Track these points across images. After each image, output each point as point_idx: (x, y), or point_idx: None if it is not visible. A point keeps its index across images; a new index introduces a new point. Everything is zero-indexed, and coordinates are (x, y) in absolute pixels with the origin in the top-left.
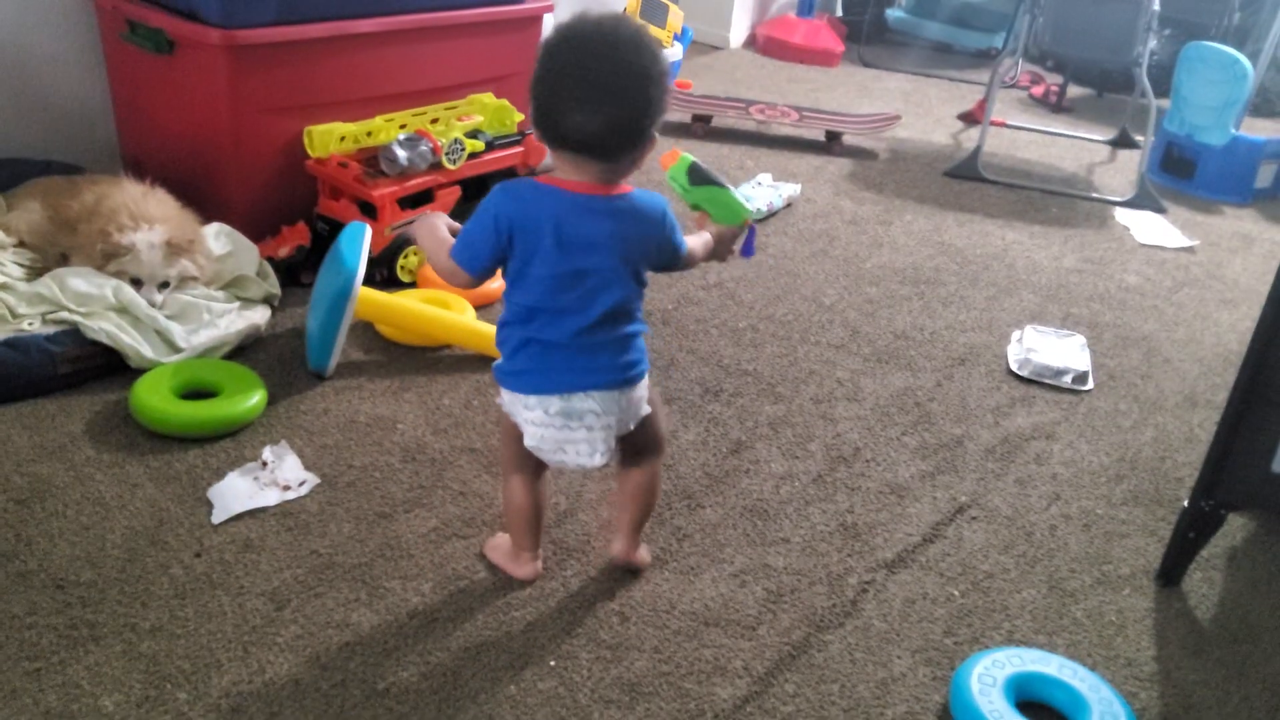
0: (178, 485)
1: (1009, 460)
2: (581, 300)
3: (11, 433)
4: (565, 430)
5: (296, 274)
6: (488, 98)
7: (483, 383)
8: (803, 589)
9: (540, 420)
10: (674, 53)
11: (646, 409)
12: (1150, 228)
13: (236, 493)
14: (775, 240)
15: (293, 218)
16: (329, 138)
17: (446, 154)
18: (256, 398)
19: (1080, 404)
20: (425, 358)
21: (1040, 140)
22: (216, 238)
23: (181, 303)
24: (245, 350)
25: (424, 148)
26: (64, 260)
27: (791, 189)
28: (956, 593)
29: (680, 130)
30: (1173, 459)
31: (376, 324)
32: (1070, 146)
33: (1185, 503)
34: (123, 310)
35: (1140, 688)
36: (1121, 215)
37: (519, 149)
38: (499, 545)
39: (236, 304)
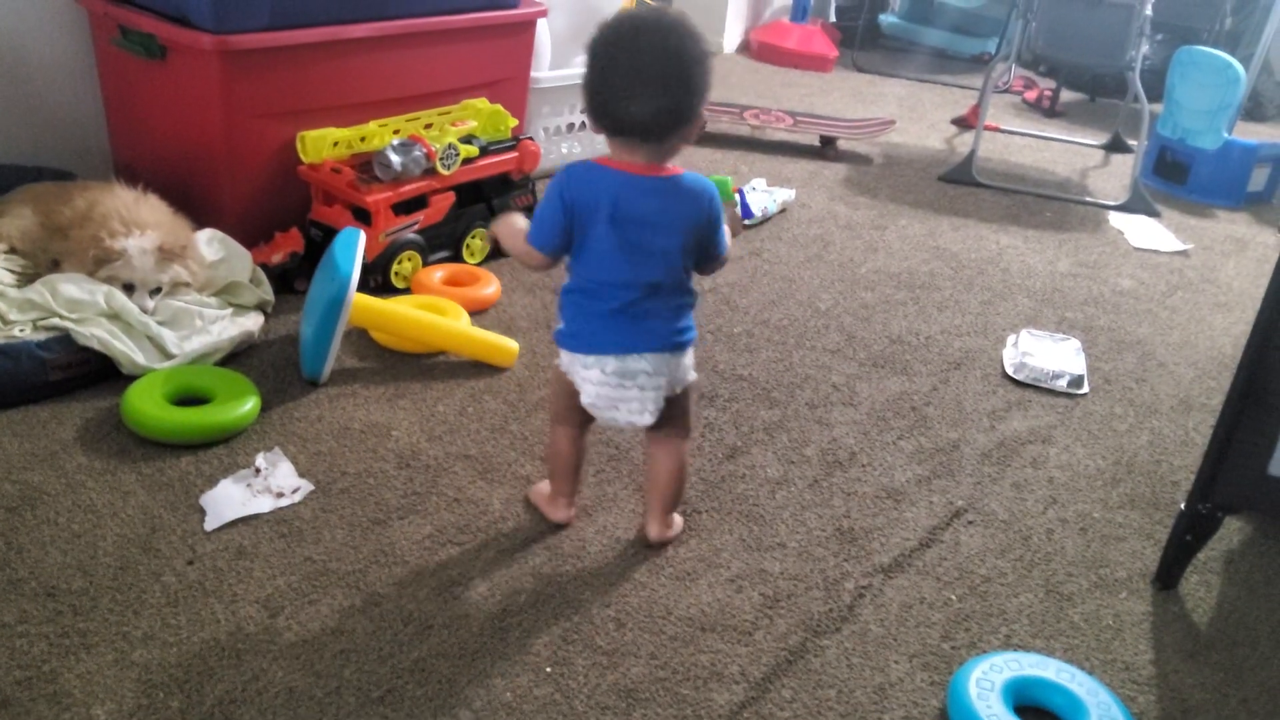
0: (170, 492)
1: (1005, 464)
2: (634, 272)
3: (2, 440)
4: (619, 389)
5: (290, 280)
6: (482, 103)
7: (477, 389)
8: (799, 594)
9: (597, 379)
10: None
11: (692, 375)
12: (1144, 232)
13: (229, 500)
14: (770, 245)
15: (286, 224)
16: (322, 143)
17: (441, 159)
18: (249, 404)
19: (1076, 408)
20: (420, 364)
21: (1034, 145)
22: (209, 244)
23: (174, 309)
24: (238, 357)
25: (418, 153)
26: (55, 266)
27: (786, 194)
28: (953, 597)
29: None
30: (1169, 462)
31: (371, 330)
32: (1064, 151)
33: (1182, 506)
34: (115, 316)
35: (1138, 691)
36: (1115, 219)
37: (513, 154)
38: (540, 491)
39: (229, 310)
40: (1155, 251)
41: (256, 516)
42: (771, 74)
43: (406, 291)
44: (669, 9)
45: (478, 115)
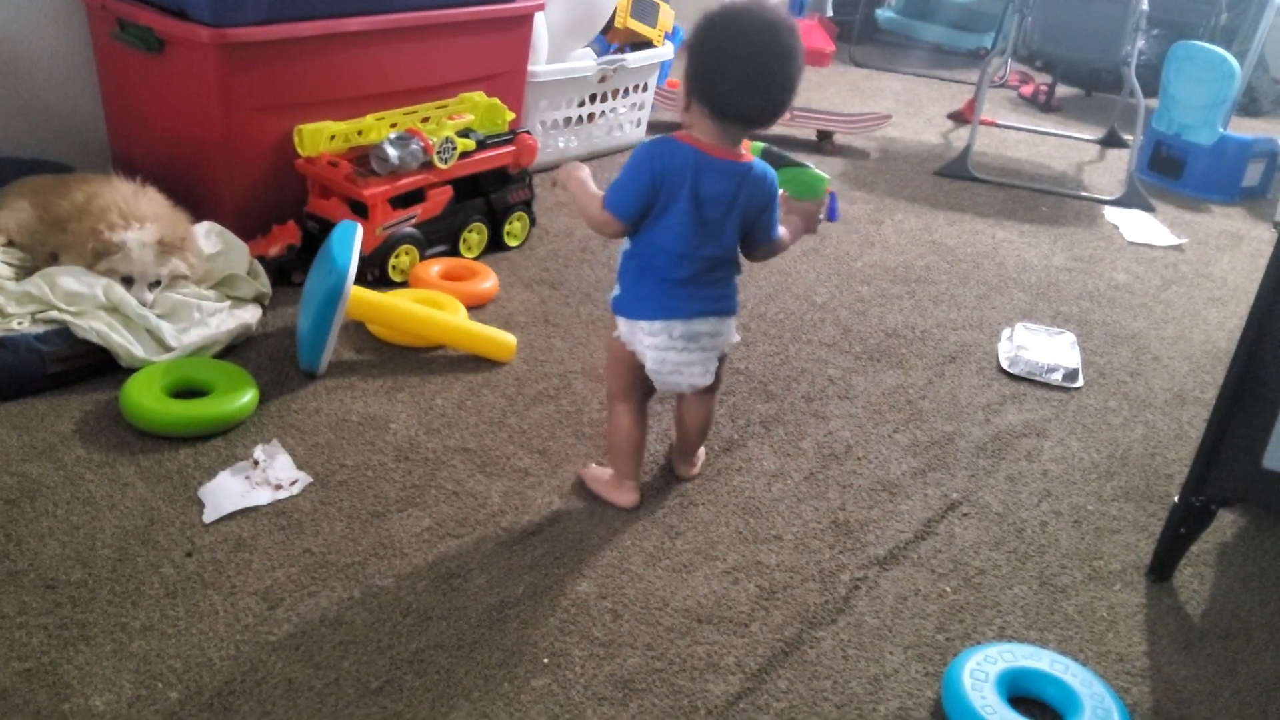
0: (168, 484)
1: (1000, 457)
2: (700, 246)
3: (1, 432)
4: (685, 352)
5: (288, 273)
6: (479, 96)
7: (475, 383)
8: (795, 586)
9: (663, 344)
10: (665, 52)
11: (736, 337)
12: (1139, 226)
13: (228, 492)
14: None
15: (283, 216)
16: (319, 136)
17: (438, 153)
18: (248, 397)
19: (1070, 401)
20: (418, 358)
21: (1030, 139)
22: (207, 236)
23: (172, 302)
24: (236, 349)
25: (415, 146)
26: (54, 259)
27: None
28: (948, 589)
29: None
30: (1163, 455)
31: (368, 324)
32: (1059, 146)
33: (1176, 498)
34: (113, 309)
35: (1132, 683)
36: (1110, 214)
37: (510, 148)
38: (598, 477)
39: (227, 303)
40: (1150, 246)
41: (255, 509)
42: None
43: (404, 285)
44: (767, 2)
45: (475, 109)
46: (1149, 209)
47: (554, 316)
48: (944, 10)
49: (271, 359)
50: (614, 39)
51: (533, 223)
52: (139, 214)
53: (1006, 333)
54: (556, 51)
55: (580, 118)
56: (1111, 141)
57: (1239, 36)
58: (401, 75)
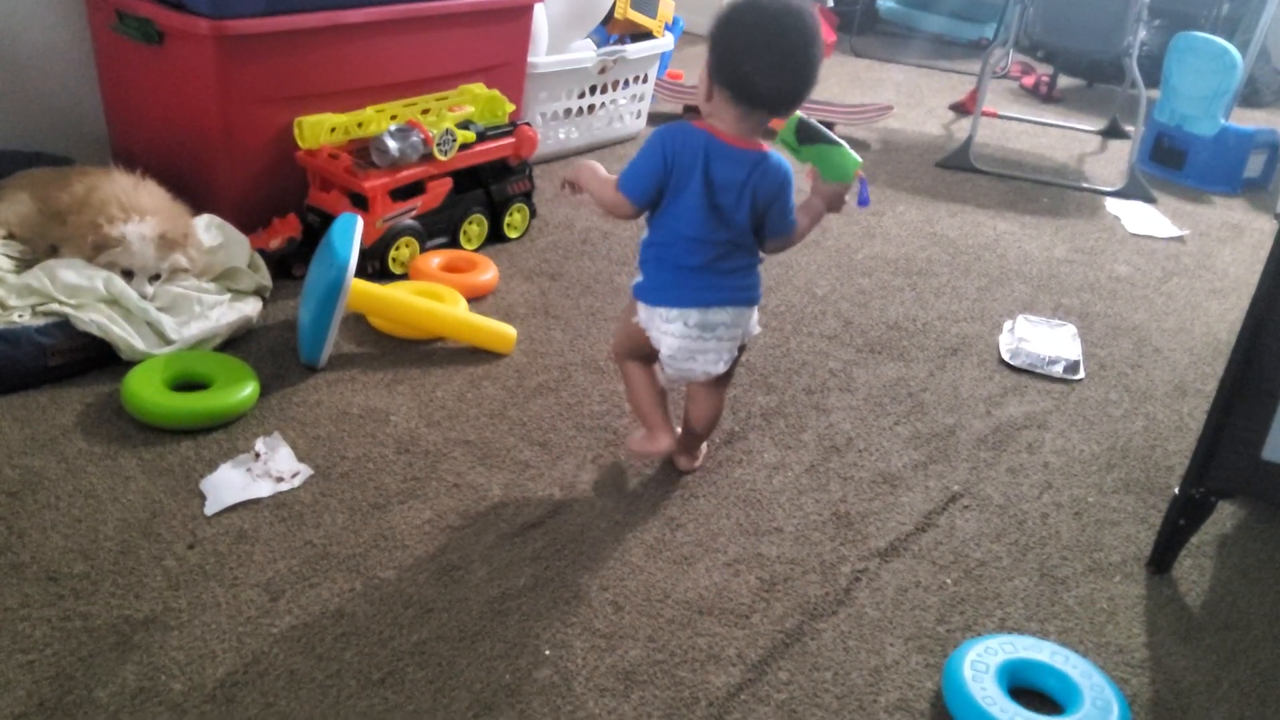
0: (170, 477)
1: (1001, 449)
2: (714, 231)
3: (2, 425)
4: (700, 340)
5: (288, 266)
6: (479, 88)
7: (475, 375)
8: (796, 578)
9: (679, 332)
10: (665, 43)
11: (757, 329)
12: (1140, 218)
13: (229, 484)
14: None
15: (283, 209)
16: (319, 129)
17: (438, 145)
18: (249, 389)
19: (1071, 393)
20: (418, 350)
21: (1031, 131)
22: (207, 229)
23: (172, 295)
24: (237, 342)
25: (415, 139)
26: (54, 252)
27: None
28: (949, 581)
29: (673, 120)
30: (1163, 447)
31: (369, 316)
32: (1061, 137)
33: (1176, 490)
34: (114, 302)
35: (1131, 674)
36: (1112, 205)
37: (511, 139)
38: (637, 441)
39: (228, 296)
40: (1151, 237)
41: (256, 501)
42: None
43: (404, 277)
44: None
45: (475, 100)
46: (1150, 200)
47: (554, 308)
48: (945, 0)
49: (272, 352)
50: (614, 30)
51: (533, 214)
52: (139, 207)
53: (1008, 325)
54: (556, 43)
55: (580, 109)
56: (1113, 133)
57: (1241, 27)
58: (401, 67)
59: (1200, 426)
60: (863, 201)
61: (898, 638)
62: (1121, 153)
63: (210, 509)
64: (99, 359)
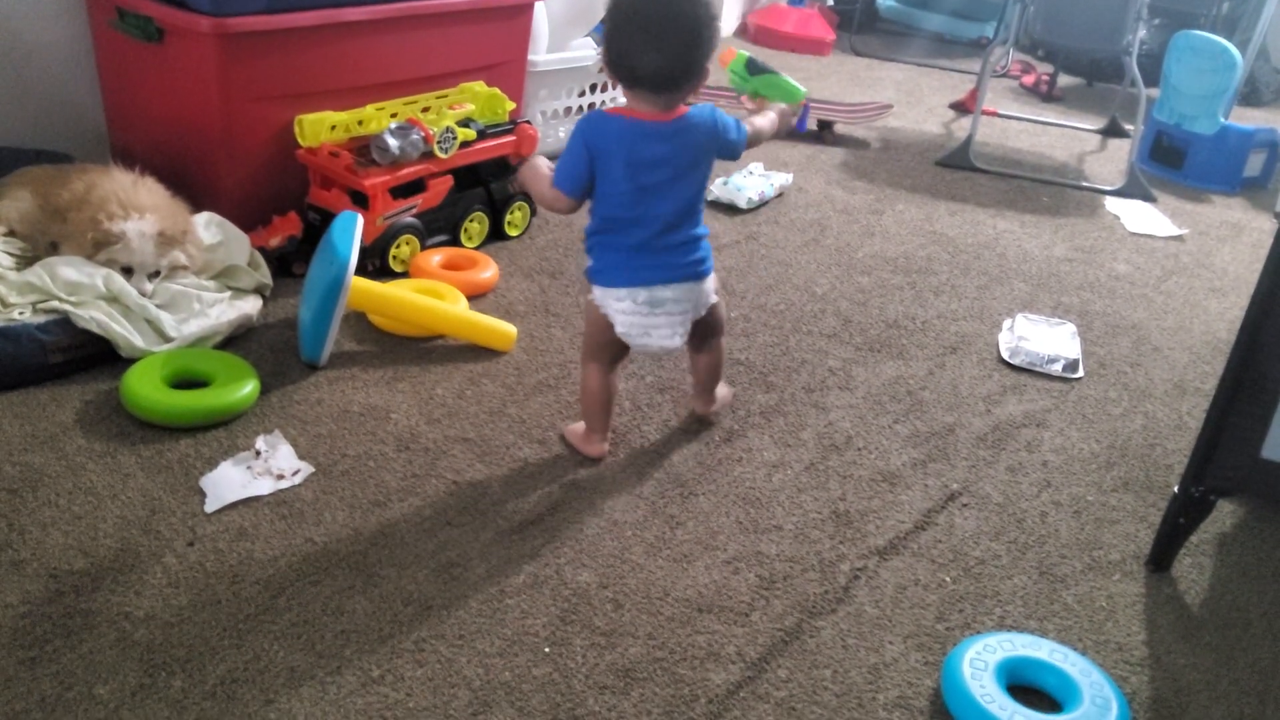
0: (170, 475)
1: (1000, 448)
2: (648, 210)
3: (3, 422)
4: (650, 317)
5: (288, 264)
6: (479, 86)
7: (475, 373)
8: (795, 576)
9: (629, 309)
10: None
11: (714, 298)
12: (1140, 216)
13: (230, 482)
14: (767, 230)
15: (284, 207)
16: (320, 126)
17: (438, 143)
18: (249, 387)
19: (1071, 392)
20: (418, 348)
21: (1031, 129)
22: (207, 227)
23: (172, 292)
24: (237, 340)
25: (416, 136)
26: (54, 249)
27: (783, 178)
28: (948, 579)
29: None
30: (1162, 446)
31: (369, 314)
32: (1061, 136)
33: (1175, 489)
34: (113, 299)
35: (1131, 672)
36: (1111, 204)
37: (511, 137)
38: (574, 431)
39: (228, 294)
40: (1151, 236)
41: (257, 498)
42: (768, 57)
43: (405, 275)
44: None
45: (475, 99)
46: (1150, 199)
47: (554, 306)
48: None
49: (272, 350)
50: None
51: (533, 212)
52: (138, 204)
53: (1007, 323)
54: (556, 41)
55: (580, 107)
56: (1113, 131)
57: (1240, 26)
58: (402, 65)
59: (1199, 425)
60: (801, 126)
61: (897, 636)
62: (1121, 151)
63: (210, 506)
64: (99, 356)
